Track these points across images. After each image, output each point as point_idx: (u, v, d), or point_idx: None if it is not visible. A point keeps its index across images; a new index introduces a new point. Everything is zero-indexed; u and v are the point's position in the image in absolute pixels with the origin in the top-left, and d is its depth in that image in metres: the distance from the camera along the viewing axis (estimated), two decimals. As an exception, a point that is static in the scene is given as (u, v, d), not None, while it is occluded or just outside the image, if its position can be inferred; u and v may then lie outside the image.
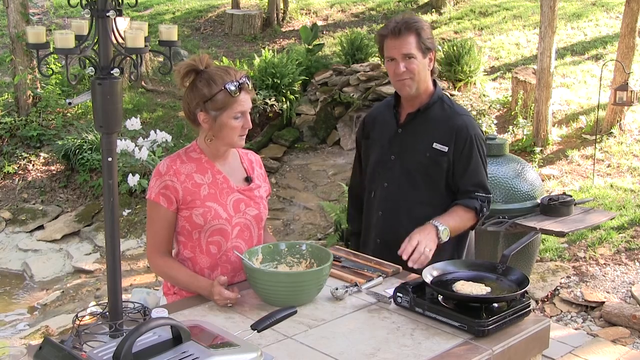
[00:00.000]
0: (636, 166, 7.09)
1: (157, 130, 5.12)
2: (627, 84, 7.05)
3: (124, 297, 2.50)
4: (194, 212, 2.47)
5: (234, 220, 2.52)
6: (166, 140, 5.07)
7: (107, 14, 1.95)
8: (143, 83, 10.60)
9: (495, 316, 2.13)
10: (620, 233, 5.77)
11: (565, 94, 8.64)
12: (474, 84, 8.91)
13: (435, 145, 2.80)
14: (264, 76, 8.96)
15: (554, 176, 7.09)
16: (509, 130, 7.84)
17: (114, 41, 1.98)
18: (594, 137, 7.30)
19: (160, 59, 10.13)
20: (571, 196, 4.80)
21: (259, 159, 2.77)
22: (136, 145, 4.93)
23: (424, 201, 2.83)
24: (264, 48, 10.60)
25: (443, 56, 8.85)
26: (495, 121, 7.88)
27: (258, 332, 2.01)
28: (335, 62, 9.83)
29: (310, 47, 10.05)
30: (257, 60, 9.34)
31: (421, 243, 2.58)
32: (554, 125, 7.83)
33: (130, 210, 8.19)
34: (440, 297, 2.27)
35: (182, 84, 2.48)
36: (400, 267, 2.66)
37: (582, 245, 5.69)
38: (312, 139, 9.19)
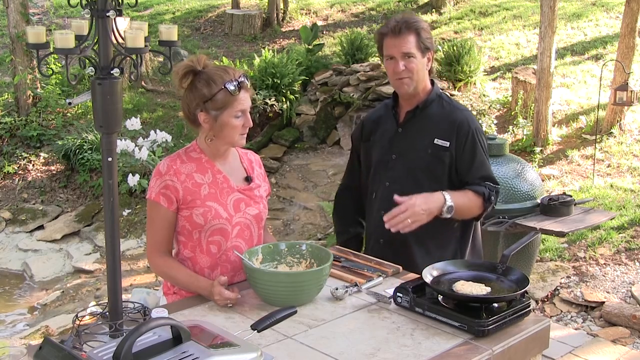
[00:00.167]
0: (636, 166, 7.09)
1: (157, 130, 5.12)
2: (627, 84, 7.05)
3: (124, 297, 2.50)
4: (194, 212, 2.47)
5: (234, 219, 2.52)
6: (166, 140, 5.07)
7: (107, 14, 1.95)
8: (143, 83, 10.60)
9: (495, 316, 2.13)
10: (620, 233, 5.77)
11: (565, 94, 8.64)
12: (474, 84, 8.91)
13: (437, 141, 2.80)
14: (264, 76, 8.95)
15: (554, 176, 7.09)
16: (509, 130, 7.84)
17: (114, 41, 1.98)
18: (594, 137, 7.30)
19: (160, 59, 10.13)
20: (571, 196, 4.80)
21: (259, 158, 2.77)
22: (136, 145, 4.93)
23: None
24: (264, 48, 10.60)
25: (443, 56, 8.85)
26: (495, 121, 7.87)
27: (258, 332, 2.01)
28: (335, 62, 9.83)
29: (310, 47, 10.05)
30: (257, 60, 9.33)
31: (415, 207, 2.56)
32: (554, 125, 7.83)
33: (130, 210, 8.19)
34: (440, 297, 2.27)
35: (180, 85, 2.48)
36: (400, 267, 2.66)
37: (582, 245, 5.69)
38: (312, 139, 9.18)
